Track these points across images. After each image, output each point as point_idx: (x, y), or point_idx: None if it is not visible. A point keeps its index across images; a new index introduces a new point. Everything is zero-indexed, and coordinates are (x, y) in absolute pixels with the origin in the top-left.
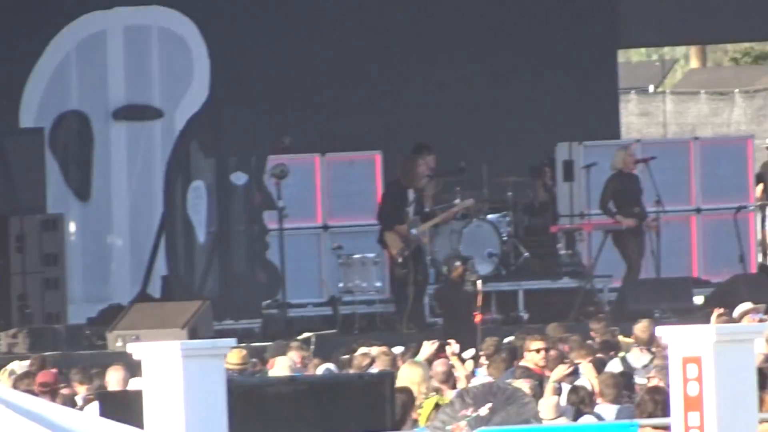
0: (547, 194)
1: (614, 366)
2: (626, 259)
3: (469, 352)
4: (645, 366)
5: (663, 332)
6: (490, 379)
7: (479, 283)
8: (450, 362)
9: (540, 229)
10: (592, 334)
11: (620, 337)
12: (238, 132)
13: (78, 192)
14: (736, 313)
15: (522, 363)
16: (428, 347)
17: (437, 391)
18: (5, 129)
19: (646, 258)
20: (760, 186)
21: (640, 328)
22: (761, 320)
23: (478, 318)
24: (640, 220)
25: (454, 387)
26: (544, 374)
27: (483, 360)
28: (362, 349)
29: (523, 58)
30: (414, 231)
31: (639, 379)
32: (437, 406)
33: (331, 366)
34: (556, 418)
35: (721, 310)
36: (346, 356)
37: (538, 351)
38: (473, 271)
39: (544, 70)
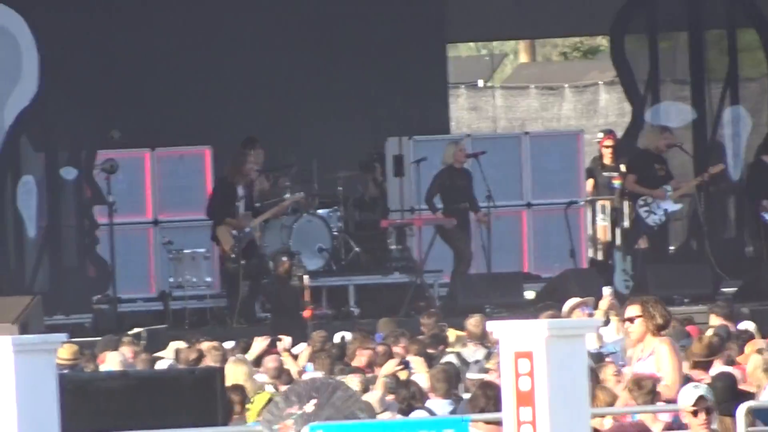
0: (377, 189)
1: (449, 360)
2: (455, 253)
3: (300, 347)
4: (478, 361)
5: (494, 327)
6: (318, 374)
7: (306, 278)
8: (281, 358)
9: (370, 224)
10: (423, 329)
11: (455, 332)
12: (68, 127)
13: None
14: (565, 307)
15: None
16: (260, 343)
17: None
18: None
19: (477, 253)
20: (591, 181)
21: (473, 323)
22: (590, 314)
23: (308, 313)
24: (472, 213)
25: (288, 383)
26: (374, 371)
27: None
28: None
29: (353, 52)
30: (248, 228)
31: (472, 375)
32: (270, 400)
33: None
34: (381, 412)
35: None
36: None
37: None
38: (300, 266)
39: (374, 65)
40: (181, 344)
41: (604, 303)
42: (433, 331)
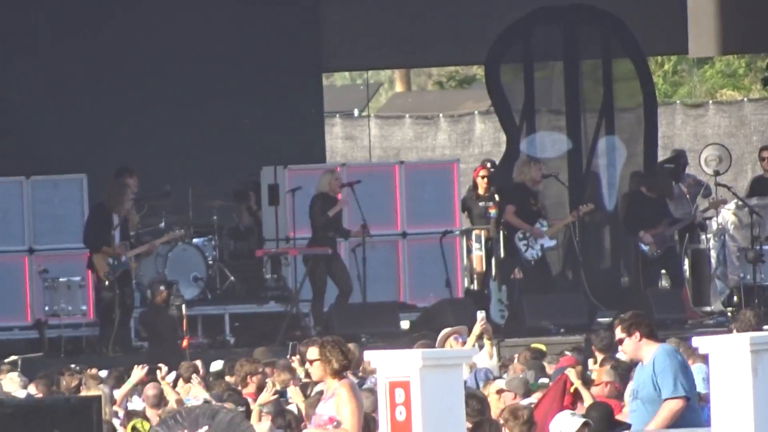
0: (252, 218)
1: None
2: (312, 282)
3: (171, 376)
4: None
5: (371, 357)
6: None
7: (184, 307)
8: (161, 386)
9: (245, 253)
10: (302, 357)
11: None
12: None
13: None
14: (440, 337)
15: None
16: (138, 372)
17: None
18: None
19: (354, 282)
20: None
21: None
22: (464, 343)
23: (185, 343)
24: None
25: (166, 410)
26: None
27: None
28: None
29: (228, 81)
30: (124, 257)
31: None
32: (134, 429)
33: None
34: None
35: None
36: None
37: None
38: (178, 296)
39: (249, 94)
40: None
41: (477, 328)
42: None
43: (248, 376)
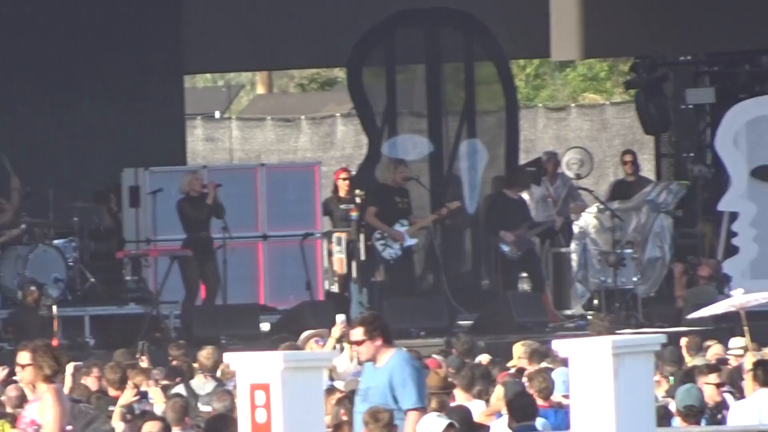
0: (112, 220)
1: (179, 392)
2: (187, 284)
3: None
4: (209, 393)
5: (231, 359)
6: None
7: (54, 308)
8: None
9: (106, 254)
10: (171, 359)
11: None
12: None
13: None
14: (300, 339)
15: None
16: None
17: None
18: None
19: (213, 284)
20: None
21: (205, 354)
22: (324, 346)
23: (55, 342)
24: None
25: None
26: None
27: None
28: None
29: (89, 82)
30: None
31: (203, 407)
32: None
33: None
34: None
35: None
36: None
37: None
38: (48, 296)
39: (110, 95)
40: None
41: (336, 331)
42: (178, 362)
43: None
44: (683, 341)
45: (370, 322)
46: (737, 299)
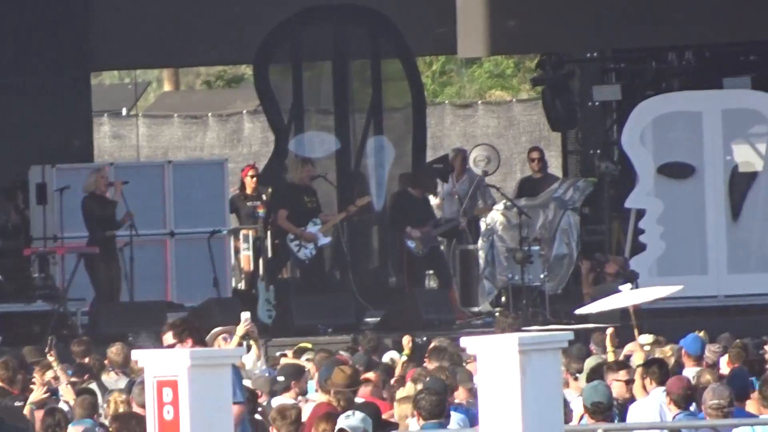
0: (19, 217)
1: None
2: (95, 282)
3: None
4: (121, 390)
5: (139, 356)
6: None
7: None
8: None
9: (13, 251)
10: (73, 356)
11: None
12: None
13: None
14: (209, 336)
15: None
16: None
17: None
18: None
19: (120, 281)
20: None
21: (114, 351)
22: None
23: None
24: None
25: None
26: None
27: None
28: None
29: None
30: None
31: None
32: None
33: None
34: None
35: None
36: None
37: None
38: None
39: (17, 92)
40: None
41: (241, 328)
42: (83, 359)
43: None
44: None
45: (178, 325)
46: (625, 296)
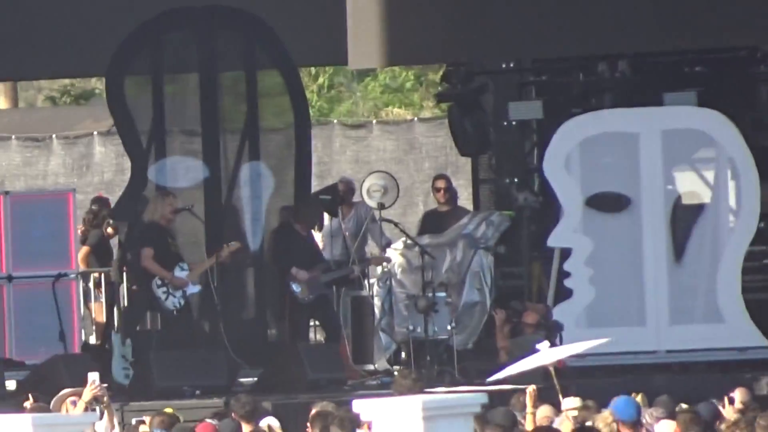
0: None
1: None
2: None
3: None
4: None
5: None
6: None
7: None
8: None
9: None
10: None
11: None
12: None
13: None
14: (54, 399)
15: None
16: None
17: None
18: None
19: None
20: (84, 249)
21: None
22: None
23: None
24: None
25: None
26: None
27: None
28: None
29: None
30: None
31: None
32: None
33: None
34: None
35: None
36: None
37: None
38: None
39: None
40: None
41: (87, 393)
42: None
43: None
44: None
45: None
46: (543, 355)
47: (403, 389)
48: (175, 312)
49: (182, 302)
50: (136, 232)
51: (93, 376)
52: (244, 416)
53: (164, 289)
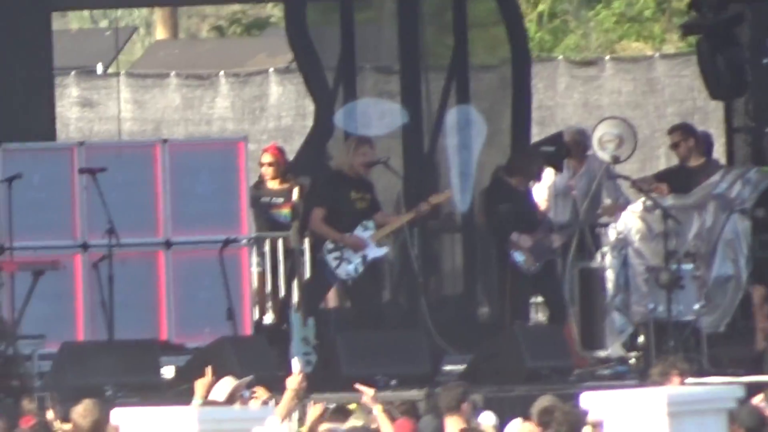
0: None
1: None
2: None
3: None
4: None
5: (120, 417)
6: None
7: None
8: None
9: None
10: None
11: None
12: None
13: None
14: (231, 388)
15: None
16: None
17: None
18: None
19: (94, 311)
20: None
21: (80, 411)
22: (249, 400)
23: None
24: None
25: None
26: None
27: None
28: None
29: None
30: None
31: None
32: None
33: None
34: None
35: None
36: None
37: None
38: None
39: None
40: None
41: (293, 382)
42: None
43: None
44: None
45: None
46: None
47: (668, 374)
48: (349, 282)
49: (360, 270)
50: (315, 186)
51: (297, 364)
52: (451, 411)
53: (336, 254)
